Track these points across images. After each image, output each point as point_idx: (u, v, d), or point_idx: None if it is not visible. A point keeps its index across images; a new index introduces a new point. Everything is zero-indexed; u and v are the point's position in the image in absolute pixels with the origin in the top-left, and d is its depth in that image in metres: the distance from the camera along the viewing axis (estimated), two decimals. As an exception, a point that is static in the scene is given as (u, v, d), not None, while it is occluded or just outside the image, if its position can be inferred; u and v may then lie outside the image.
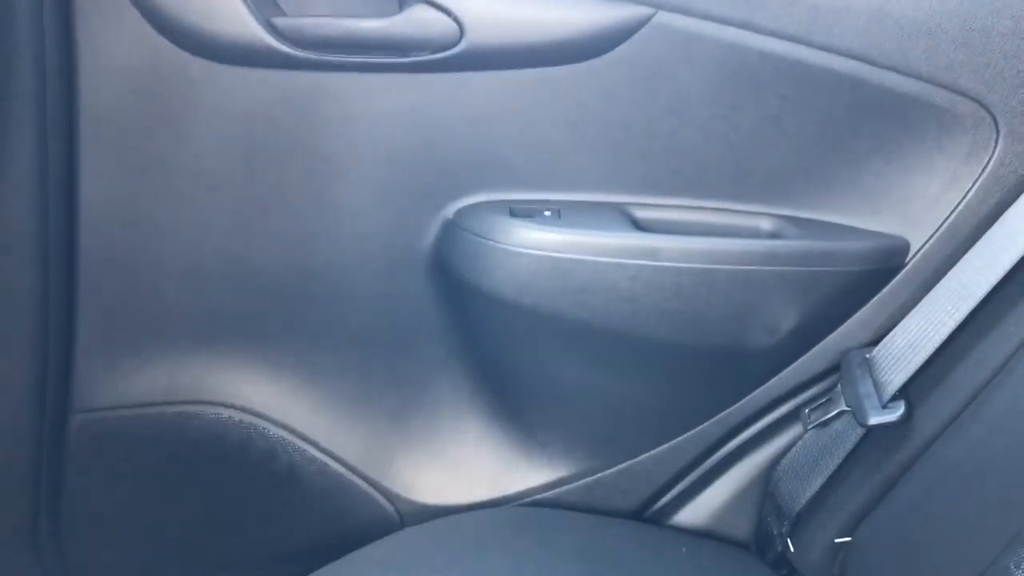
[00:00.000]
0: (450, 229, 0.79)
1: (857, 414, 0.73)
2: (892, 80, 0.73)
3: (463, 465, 0.86)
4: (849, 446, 0.75)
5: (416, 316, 0.82)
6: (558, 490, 0.85)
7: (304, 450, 0.83)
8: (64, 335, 0.78)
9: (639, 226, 0.78)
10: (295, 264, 0.80)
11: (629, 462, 0.85)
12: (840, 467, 0.76)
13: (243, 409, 0.82)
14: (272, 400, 0.82)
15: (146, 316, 0.79)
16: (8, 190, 0.74)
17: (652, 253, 0.75)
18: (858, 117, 0.75)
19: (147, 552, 0.85)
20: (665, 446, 0.84)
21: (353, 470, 0.84)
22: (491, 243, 0.77)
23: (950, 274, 0.74)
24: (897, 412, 0.71)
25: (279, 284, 0.80)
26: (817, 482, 0.77)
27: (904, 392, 0.72)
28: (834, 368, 0.80)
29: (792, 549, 0.79)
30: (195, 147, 0.76)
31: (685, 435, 0.84)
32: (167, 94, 0.75)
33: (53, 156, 0.74)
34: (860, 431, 0.74)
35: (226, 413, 0.82)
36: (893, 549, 0.71)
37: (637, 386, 0.82)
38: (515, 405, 0.85)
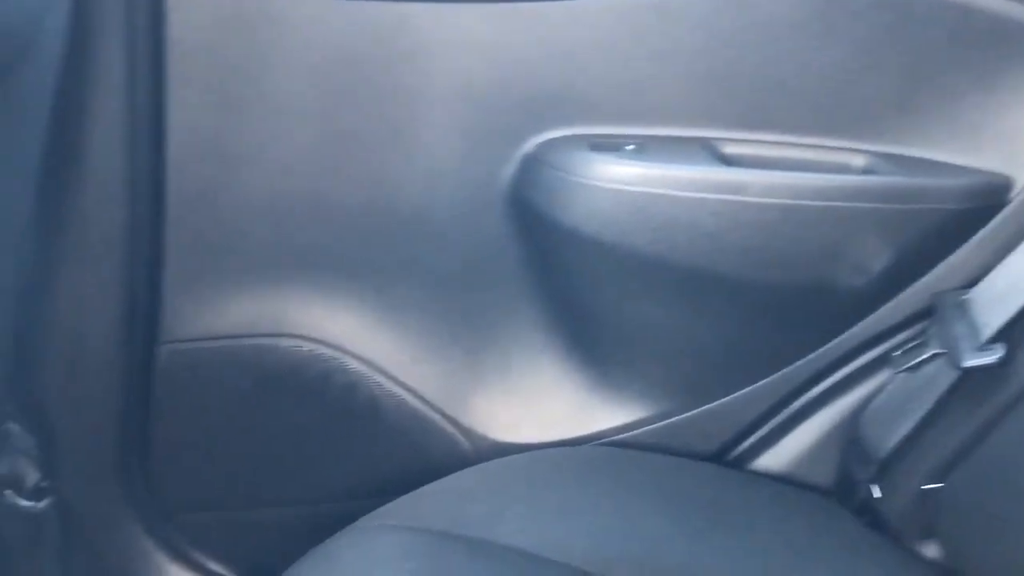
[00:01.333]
0: (530, 164, 0.78)
1: (952, 356, 0.70)
2: (997, 5, 0.69)
3: (538, 404, 0.85)
4: (941, 390, 0.73)
5: (494, 253, 0.81)
6: (635, 432, 0.84)
7: (382, 384, 0.84)
8: (151, 267, 0.80)
9: (724, 161, 0.76)
10: (375, 200, 0.80)
11: (709, 405, 0.83)
12: (931, 412, 0.74)
13: (324, 342, 0.83)
14: (352, 334, 0.83)
15: (230, 249, 0.80)
16: (97, 122, 0.76)
17: (737, 188, 0.73)
18: (959, 46, 0.72)
19: (229, 482, 0.87)
20: (747, 389, 0.82)
21: (430, 405, 0.84)
22: (571, 178, 0.75)
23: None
24: (996, 354, 0.68)
25: (359, 220, 0.81)
26: (906, 427, 0.75)
27: (1003, 334, 0.69)
28: (925, 312, 0.77)
29: (877, 495, 0.77)
30: (279, 82, 0.77)
31: (768, 378, 0.82)
32: (252, 28, 0.75)
33: (141, 89, 0.76)
34: (954, 374, 0.71)
35: (307, 346, 0.83)
36: (987, 496, 0.68)
37: (719, 326, 0.80)
38: (592, 344, 0.84)
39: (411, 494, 0.72)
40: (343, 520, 0.69)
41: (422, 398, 0.84)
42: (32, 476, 0.83)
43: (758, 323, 0.80)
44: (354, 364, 0.83)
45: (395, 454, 0.85)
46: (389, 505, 0.71)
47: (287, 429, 0.84)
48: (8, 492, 0.83)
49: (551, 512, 0.68)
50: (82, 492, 0.86)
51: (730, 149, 0.77)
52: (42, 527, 0.85)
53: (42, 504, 0.84)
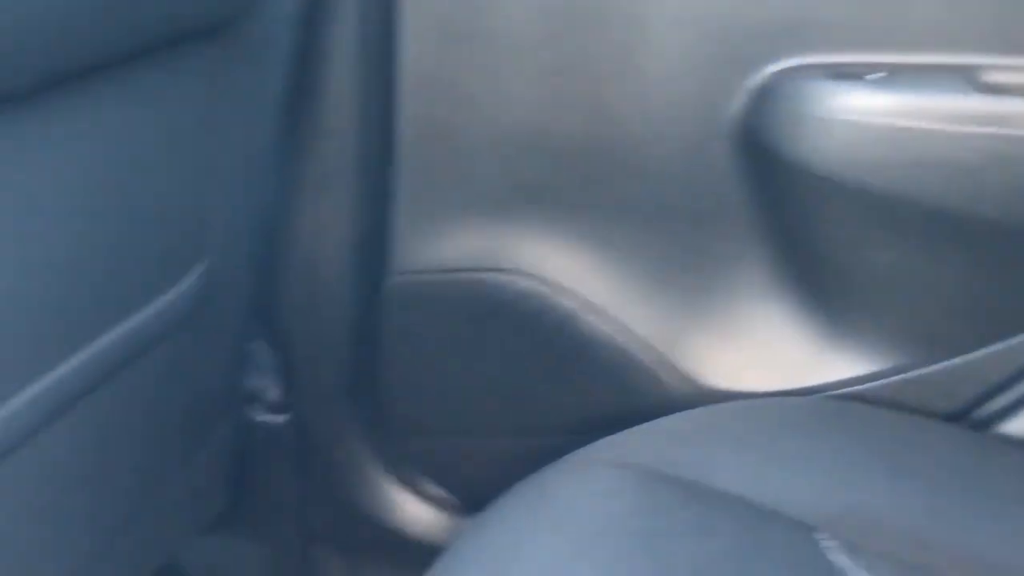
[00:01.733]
0: (762, 96, 0.73)
1: None
2: None
3: (762, 351, 0.81)
4: None
5: (721, 191, 0.78)
6: (868, 385, 0.79)
7: (598, 323, 0.83)
8: (383, 200, 0.83)
9: (986, 91, 0.68)
10: (598, 136, 0.78)
11: (953, 360, 0.76)
12: None
13: (542, 279, 0.83)
14: (570, 271, 0.82)
15: (458, 183, 0.81)
16: (332, 60, 0.79)
17: (1001, 120, 0.66)
18: None
19: (450, 410, 0.90)
20: (998, 346, 0.75)
21: (647, 347, 0.83)
22: (809, 111, 0.70)
23: None
24: None
25: (582, 156, 0.79)
26: None
27: None
28: None
29: None
30: (508, 12, 0.76)
31: (1022, 335, 0.74)
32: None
33: (373, 25, 0.77)
34: None
35: (525, 282, 0.83)
36: None
37: (969, 275, 0.73)
38: (824, 290, 0.79)
39: (623, 432, 0.71)
40: (552, 454, 0.69)
41: (638, 339, 0.83)
42: (274, 392, 0.90)
43: (1015, 273, 0.72)
44: (568, 302, 0.82)
45: (607, 394, 0.84)
46: (600, 442, 0.70)
47: (505, 362, 0.86)
48: (252, 406, 0.90)
49: (773, 462, 0.65)
50: (317, 411, 0.91)
51: (993, 77, 0.69)
52: (280, 441, 0.91)
53: (281, 419, 0.90)
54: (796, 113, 0.71)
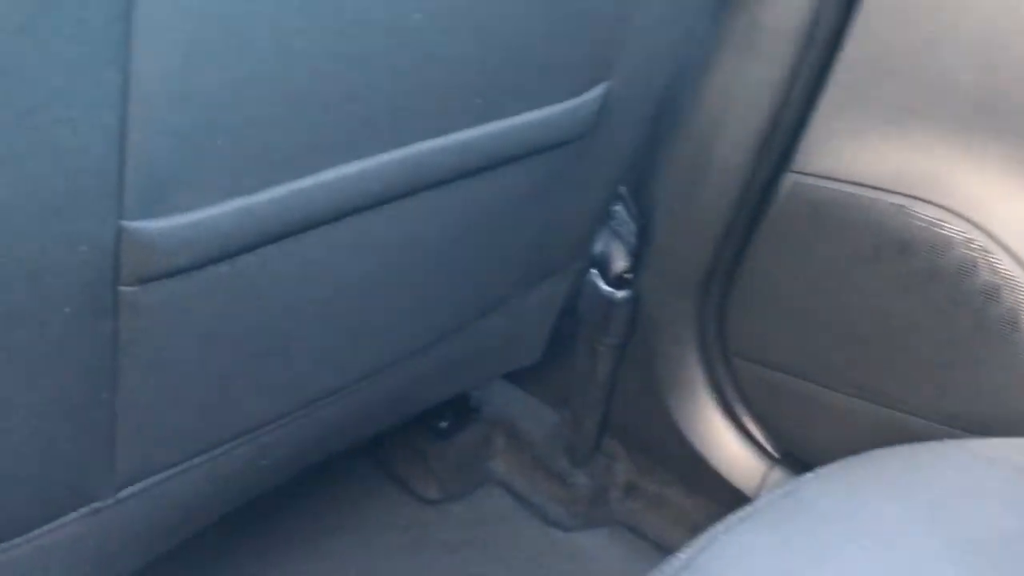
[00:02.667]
0: None
1: None
2: None
3: None
4: None
5: None
6: None
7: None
8: (805, 93, 0.72)
9: None
10: None
11: None
12: None
13: (965, 218, 0.67)
14: (1009, 222, 0.66)
15: (873, 99, 0.69)
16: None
17: None
18: None
19: (792, 347, 0.78)
20: None
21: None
22: None
23: None
24: None
25: None
26: None
27: None
28: None
29: None
30: None
31: None
32: None
33: None
34: None
35: (938, 215, 0.67)
36: None
37: None
38: None
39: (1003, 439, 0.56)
40: (905, 435, 0.56)
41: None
42: (619, 265, 0.83)
43: None
44: (1003, 261, 0.66)
45: (1007, 388, 0.67)
46: (975, 440, 0.56)
47: (890, 307, 0.71)
48: (595, 272, 0.84)
49: None
50: (658, 302, 0.84)
51: None
52: (609, 318, 0.85)
53: (618, 296, 0.84)
54: None
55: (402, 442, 0.95)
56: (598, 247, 0.84)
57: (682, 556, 0.45)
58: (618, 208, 0.83)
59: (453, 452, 0.94)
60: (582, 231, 0.80)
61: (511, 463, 0.96)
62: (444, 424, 0.94)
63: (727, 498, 0.83)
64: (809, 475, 0.52)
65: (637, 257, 0.83)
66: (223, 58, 0.41)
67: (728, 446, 0.85)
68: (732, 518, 0.47)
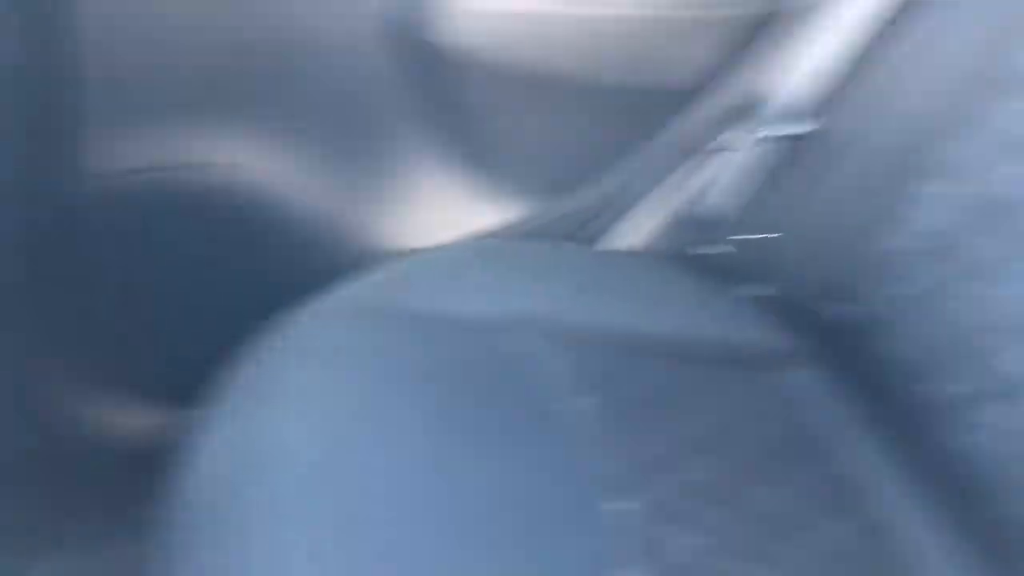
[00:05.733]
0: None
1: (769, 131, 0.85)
2: None
3: (427, 211, 0.97)
4: (768, 164, 0.87)
5: (382, 78, 0.90)
6: (514, 226, 0.98)
7: (283, 202, 0.93)
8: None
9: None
10: (263, 41, 0.87)
11: (574, 199, 0.98)
12: (760, 183, 0.90)
13: (233, 168, 0.90)
14: (255, 159, 0.90)
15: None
16: None
17: (607, 3, 0.85)
18: None
19: (147, 315, 0.95)
20: (607, 185, 0.97)
21: (331, 218, 0.95)
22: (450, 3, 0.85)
23: None
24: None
25: (250, 54, 0.87)
26: (738, 196, 0.91)
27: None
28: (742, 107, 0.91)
29: (713, 251, 0.94)
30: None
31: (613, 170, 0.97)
32: None
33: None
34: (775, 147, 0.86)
35: (218, 174, 0.90)
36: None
37: (590, 133, 0.94)
38: (475, 153, 0.95)
39: (327, 296, 0.76)
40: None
41: (319, 210, 0.94)
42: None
43: (631, 128, 0.93)
44: (259, 185, 0.91)
45: (296, 264, 0.95)
46: (317, 298, 0.75)
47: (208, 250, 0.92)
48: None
49: (478, 288, 0.78)
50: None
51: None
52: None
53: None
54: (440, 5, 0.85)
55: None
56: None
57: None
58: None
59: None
60: None
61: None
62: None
63: None
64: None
65: None
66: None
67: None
68: None
